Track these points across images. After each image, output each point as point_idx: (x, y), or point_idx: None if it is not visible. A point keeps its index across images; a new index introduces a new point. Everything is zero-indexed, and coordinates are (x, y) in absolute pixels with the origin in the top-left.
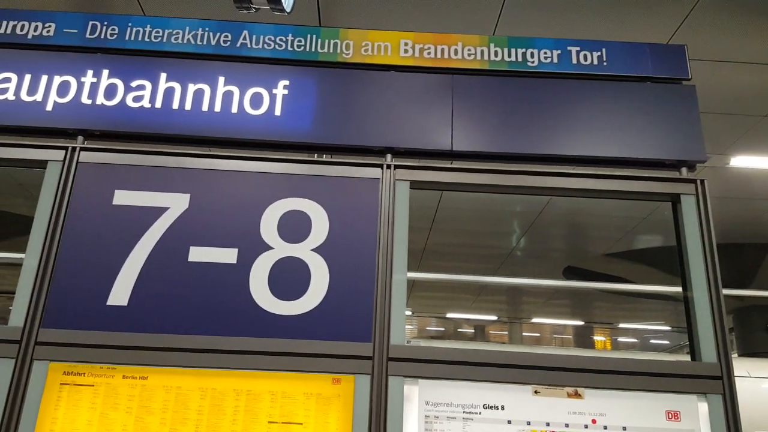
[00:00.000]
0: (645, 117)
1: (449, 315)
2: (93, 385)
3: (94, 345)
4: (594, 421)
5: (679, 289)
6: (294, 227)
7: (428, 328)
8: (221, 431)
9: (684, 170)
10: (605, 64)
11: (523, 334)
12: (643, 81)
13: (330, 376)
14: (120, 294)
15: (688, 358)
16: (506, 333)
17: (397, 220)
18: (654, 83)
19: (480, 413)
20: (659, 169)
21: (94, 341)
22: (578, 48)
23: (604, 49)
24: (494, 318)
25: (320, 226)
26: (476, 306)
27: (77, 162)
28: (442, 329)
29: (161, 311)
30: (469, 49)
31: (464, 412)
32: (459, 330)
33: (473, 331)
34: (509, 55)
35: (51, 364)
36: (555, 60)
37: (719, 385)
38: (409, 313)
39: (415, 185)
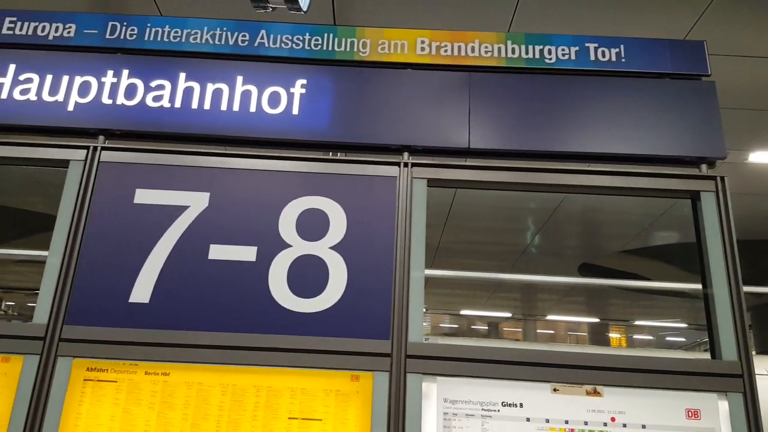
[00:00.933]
0: (664, 113)
1: (463, 312)
2: (116, 381)
3: (117, 341)
4: (613, 419)
5: (696, 285)
6: (312, 225)
7: (441, 325)
8: (242, 427)
9: (704, 167)
10: (624, 60)
11: (538, 331)
12: (662, 77)
13: (349, 373)
14: (142, 291)
15: (705, 355)
16: (520, 330)
17: (414, 218)
18: (673, 79)
19: (498, 411)
20: (678, 166)
21: (116, 338)
22: (596, 44)
23: (622, 46)
24: (508, 315)
25: (338, 224)
26: (490, 303)
27: (99, 161)
28: (456, 326)
29: (182, 308)
30: (486, 47)
31: (483, 409)
32: (473, 327)
33: (487, 328)
34: (527, 52)
35: (75, 360)
36: (573, 57)
37: (740, 384)
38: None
39: (432, 183)
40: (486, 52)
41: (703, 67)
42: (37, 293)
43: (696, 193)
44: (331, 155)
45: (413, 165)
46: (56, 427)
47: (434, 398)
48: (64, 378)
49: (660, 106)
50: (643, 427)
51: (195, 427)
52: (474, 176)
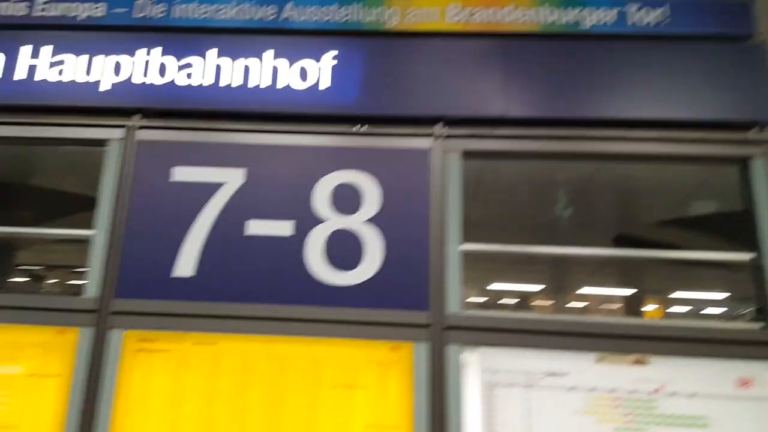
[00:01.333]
0: (710, 77)
1: (492, 286)
2: (166, 351)
3: (166, 314)
4: (661, 388)
5: (737, 256)
6: (346, 199)
7: (467, 301)
8: (286, 394)
9: (753, 132)
10: (666, 23)
11: (570, 304)
12: (707, 40)
13: (389, 344)
14: (186, 266)
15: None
16: (551, 304)
17: (449, 190)
18: (719, 42)
19: (542, 380)
20: (726, 131)
21: (165, 310)
22: (637, 7)
23: (665, 7)
24: (539, 289)
25: (372, 198)
26: (520, 277)
27: (136, 140)
28: (485, 299)
29: (225, 282)
30: (520, 12)
31: (526, 379)
32: (503, 302)
33: (517, 302)
34: (563, 17)
35: (126, 332)
36: (612, 20)
37: None
38: None
39: (467, 155)
40: (520, 17)
41: (750, 28)
42: (78, 271)
43: (745, 158)
44: (366, 129)
45: (447, 136)
46: (111, 395)
47: (475, 368)
48: (116, 349)
49: (706, 69)
50: (692, 395)
51: (241, 395)
52: (510, 146)
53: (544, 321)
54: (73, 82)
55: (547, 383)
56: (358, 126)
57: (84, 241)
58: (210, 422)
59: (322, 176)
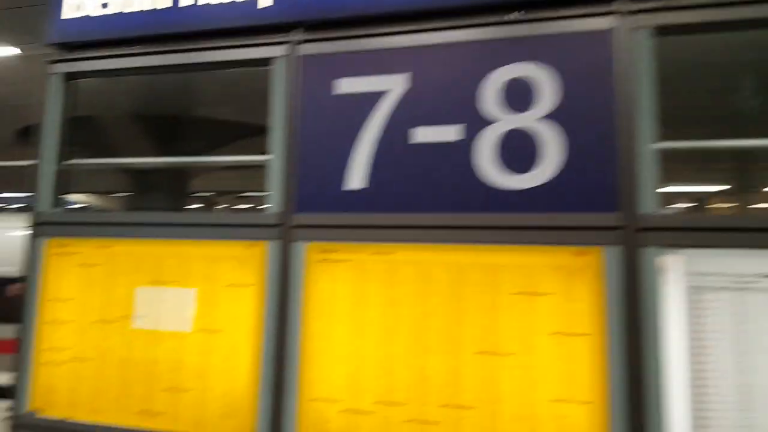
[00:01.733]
0: None
1: (670, 188)
2: (345, 261)
3: (343, 225)
4: None
5: None
6: (519, 96)
7: None
8: (465, 301)
9: None
10: None
11: (757, 206)
12: None
13: (573, 249)
14: (357, 178)
15: None
16: (735, 204)
17: (640, 75)
18: None
19: (758, 282)
20: None
21: (342, 222)
22: None
23: None
24: (723, 188)
25: (548, 92)
26: (700, 177)
27: (300, 55)
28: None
29: (396, 192)
30: None
31: (738, 281)
32: (669, 206)
33: (696, 204)
34: None
35: (308, 244)
36: None
37: None
38: None
39: (659, 31)
40: None
41: None
42: (244, 195)
43: None
44: (520, 14)
45: (633, 12)
46: (300, 302)
47: (678, 271)
48: (300, 259)
49: None
50: None
51: (421, 302)
52: (713, 16)
53: (754, 217)
54: (233, 2)
55: (763, 285)
56: (516, 12)
57: (249, 167)
58: (392, 328)
59: (489, 72)
